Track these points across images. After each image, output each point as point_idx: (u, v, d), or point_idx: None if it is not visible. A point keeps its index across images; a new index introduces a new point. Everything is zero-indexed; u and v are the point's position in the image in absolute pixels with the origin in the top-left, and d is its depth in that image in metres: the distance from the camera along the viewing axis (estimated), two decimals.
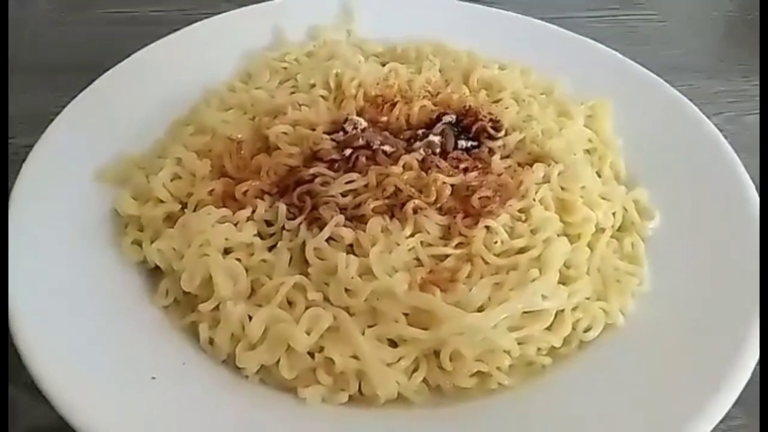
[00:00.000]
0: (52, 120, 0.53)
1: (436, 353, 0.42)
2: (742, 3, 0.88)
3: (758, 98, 0.69)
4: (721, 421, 0.42)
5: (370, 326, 0.42)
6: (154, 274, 0.47)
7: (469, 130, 0.53)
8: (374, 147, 0.50)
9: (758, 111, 0.68)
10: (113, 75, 0.58)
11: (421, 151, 0.50)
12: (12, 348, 0.40)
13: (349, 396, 0.41)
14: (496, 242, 0.45)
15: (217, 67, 0.62)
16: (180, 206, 0.49)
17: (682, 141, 0.55)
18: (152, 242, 0.46)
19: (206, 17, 0.66)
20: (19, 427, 0.42)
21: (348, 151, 0.49)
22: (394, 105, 0.55)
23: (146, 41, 0.62)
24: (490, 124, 0.53)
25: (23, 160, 0.50)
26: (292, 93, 0.58)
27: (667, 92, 0.60)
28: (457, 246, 0.45)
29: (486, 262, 0.44)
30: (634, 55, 0.64)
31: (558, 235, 0.47)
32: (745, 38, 0.83)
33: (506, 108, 0.56)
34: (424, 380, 0.42)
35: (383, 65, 0.61)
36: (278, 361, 0.41)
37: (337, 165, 0.49)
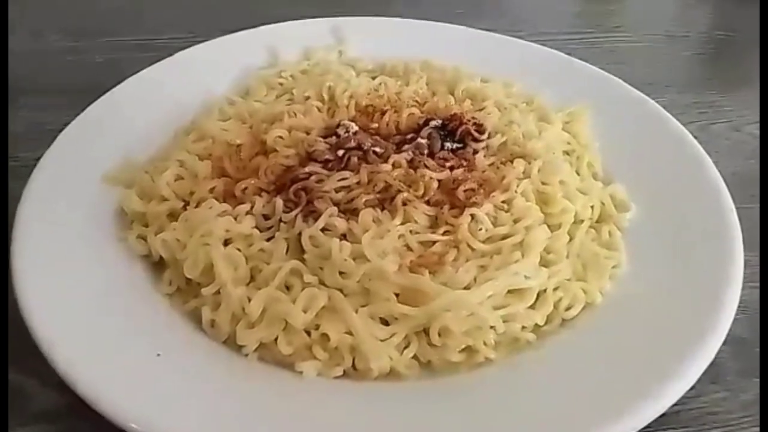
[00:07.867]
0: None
1: (426, 331, 0.44)
2: (713, 24, 0.93)
3: (726, 109, 0.74)
4: (702, 396, 0.46)
5: (362, 306, 0.44)
6: (158, 267, 0.49)
7: (454, 134, 0.56)
8: (365, 148, 0.53)
9: (724, 120, 0.73)
10: (117, 92, 0.62)
11: (410, 152, 0.54)
12: (17, 339, 0.42)
13: (344, 371, 0.42)
14: (480, 229, 0.48)
15: (215, 84, 0.66)
16: (183, 204, 0.51)
17: (655, 142, 0.59)
18: (156, 235, 0.49)
19: None
20: (27, 412, 0.44)
21: (341, 152, 0.52)
22: (383, 113, 0.59)
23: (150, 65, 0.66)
24: (474, 127, 0.56)
25: (33, 167, 0.53)
26: (288, 104, 0.61)
27: (641, 101, 0.63)
28: (444, 233, 0.48)
29: (471, 248, 0.47)
30: (611, 72, 0.68)
31: (539, 225, 0.49)
32: (715, 55, 0.88)
33: (489, 114, 0.59)
34: (415, 356, 0.44)
35: (373, 80, 0.65)
36: (276, 339, 0.43)
37: (330, 165, 0.52)
